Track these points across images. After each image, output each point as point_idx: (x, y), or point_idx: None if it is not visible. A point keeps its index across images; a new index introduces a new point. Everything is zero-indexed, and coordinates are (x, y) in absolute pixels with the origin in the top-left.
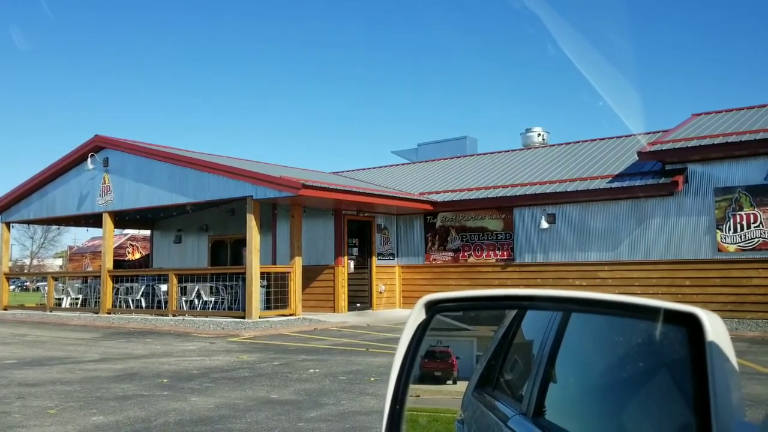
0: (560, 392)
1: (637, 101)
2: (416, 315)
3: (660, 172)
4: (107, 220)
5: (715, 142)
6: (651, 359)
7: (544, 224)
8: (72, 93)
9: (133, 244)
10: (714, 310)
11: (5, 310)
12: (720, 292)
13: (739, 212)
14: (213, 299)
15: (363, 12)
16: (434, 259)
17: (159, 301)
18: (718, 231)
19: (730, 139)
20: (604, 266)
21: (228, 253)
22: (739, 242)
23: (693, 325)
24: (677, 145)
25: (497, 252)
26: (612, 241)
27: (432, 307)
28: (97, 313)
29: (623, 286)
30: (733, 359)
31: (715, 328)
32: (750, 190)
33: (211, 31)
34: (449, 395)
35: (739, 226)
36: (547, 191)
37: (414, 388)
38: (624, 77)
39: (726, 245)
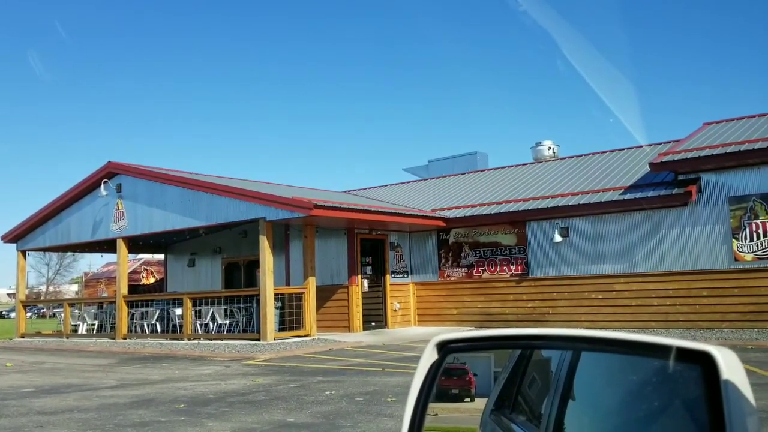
0: (576, 426)
1: (642, 111)
2: (428, 355)
3: (673, 182)
4: (121, 246)
5: (728, 151)
6: (666, 398)
7: (558, 238)
8: (84, 120)
9: (148, 268)
10: (733, 320)
11: (22, 337)
12: (739, 302)
13: (755, 220)
14: (227, 322)
15: (373, 31)
16: (448, 276)
17: (174, 325)
18: (734, 240)
19: (743, 147)
20: (620, 279)
21: (242, 275)
22: (755, 251)
23: (707, 363)
24: (689, 155)
25: (511, 267)
26: (627, 254)
27: (444, 347)
28: (113, 338)
29: (639, 298)
30: (750, 397)
31: (730, 366)
32: (765, 197)
33: (218, 53)
34: (467, 413)
35: (755, 234)
36: (560, 204)
37: (432, 407)
38: (633, 87)
39: (743, 254)
